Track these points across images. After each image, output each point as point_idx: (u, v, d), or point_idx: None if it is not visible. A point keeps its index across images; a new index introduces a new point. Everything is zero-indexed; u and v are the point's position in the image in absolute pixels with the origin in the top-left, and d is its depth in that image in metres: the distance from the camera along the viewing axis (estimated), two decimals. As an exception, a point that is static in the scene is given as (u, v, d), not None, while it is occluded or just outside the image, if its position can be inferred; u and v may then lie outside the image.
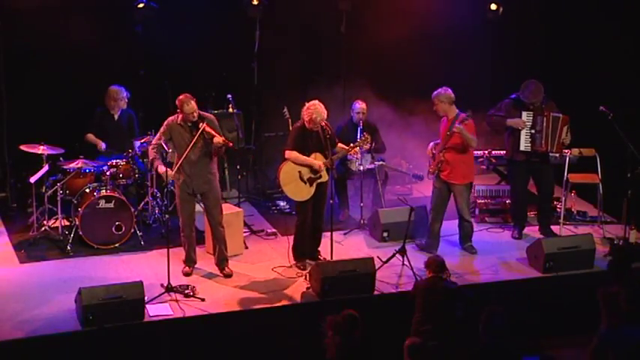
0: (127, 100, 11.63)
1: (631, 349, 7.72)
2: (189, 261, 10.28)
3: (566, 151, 11.31)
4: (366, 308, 9.64)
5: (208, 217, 10.27)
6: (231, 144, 10.06)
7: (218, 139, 9.84)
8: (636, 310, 8.02)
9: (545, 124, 10.84)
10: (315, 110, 10.09)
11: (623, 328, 7.83)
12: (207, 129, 9.85)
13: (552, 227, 11.39)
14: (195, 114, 9.87)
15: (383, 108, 12.10)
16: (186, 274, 10.16)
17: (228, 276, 10.18)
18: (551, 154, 11.02)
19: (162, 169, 9.95)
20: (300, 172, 10.23)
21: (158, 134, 10.08)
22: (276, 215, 11.91)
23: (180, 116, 9.93)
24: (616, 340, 7.77)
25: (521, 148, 10.94)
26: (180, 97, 9.91)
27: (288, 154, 10.25)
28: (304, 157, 10.19)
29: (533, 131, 10.89)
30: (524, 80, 11.02)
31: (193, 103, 9.89)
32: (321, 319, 7.90)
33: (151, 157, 10.13)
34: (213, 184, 10.11)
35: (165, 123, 10.05)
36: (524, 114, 10.91)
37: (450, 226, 11.46)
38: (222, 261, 10.27)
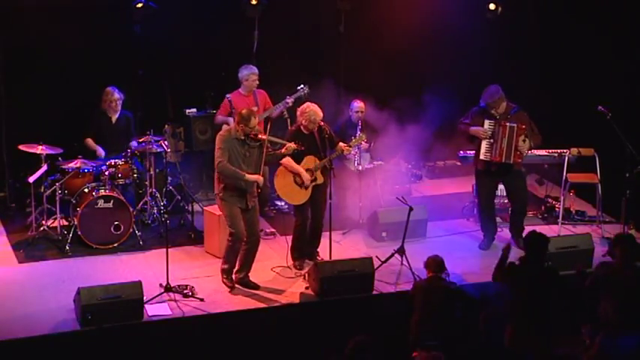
0: (122, 101, 11.57)
1: (628, 357, 7.74)
2: (232, 274, 9.97)
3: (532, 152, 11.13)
4: (365, 308, 9.67)
5: (248, 231, 9.88)
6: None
7: (290, 145, 9.78)
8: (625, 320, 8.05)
9: (501, 134, 10.63)
10: (311, 111, 10.13)
11: (620, 337, 7.85)
12: (270, 139, 9.74)
13: (552, 227, 11.40)
14: (257, 129, 9.72)
15: (382, 107, 12.08)
16: (232, 288, 9.88)
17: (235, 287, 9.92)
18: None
19: (251, 176, 9.59)
20: (294, 176, 10.22)
21: (220, 152, 9.58)
22: (274, 215, 11.89)
23: (236, 129, 9.67)
24: (613, 349, 7.78)
25: (481, 156, 10.80)
26: (244, 110, 9.68)
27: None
28: (295, 165, 10.16)
29: (492, 140, 10.72)
30: (524, 80, 11.00)
31: (256, 118, 9.73)
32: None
33: (231, 173, 9.59)
34: (257, 199, 9.93)
35: (222, 140, 9.64)
36: (486, 122, 10.72)
37: (449, 226, 11.49)
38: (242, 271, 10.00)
